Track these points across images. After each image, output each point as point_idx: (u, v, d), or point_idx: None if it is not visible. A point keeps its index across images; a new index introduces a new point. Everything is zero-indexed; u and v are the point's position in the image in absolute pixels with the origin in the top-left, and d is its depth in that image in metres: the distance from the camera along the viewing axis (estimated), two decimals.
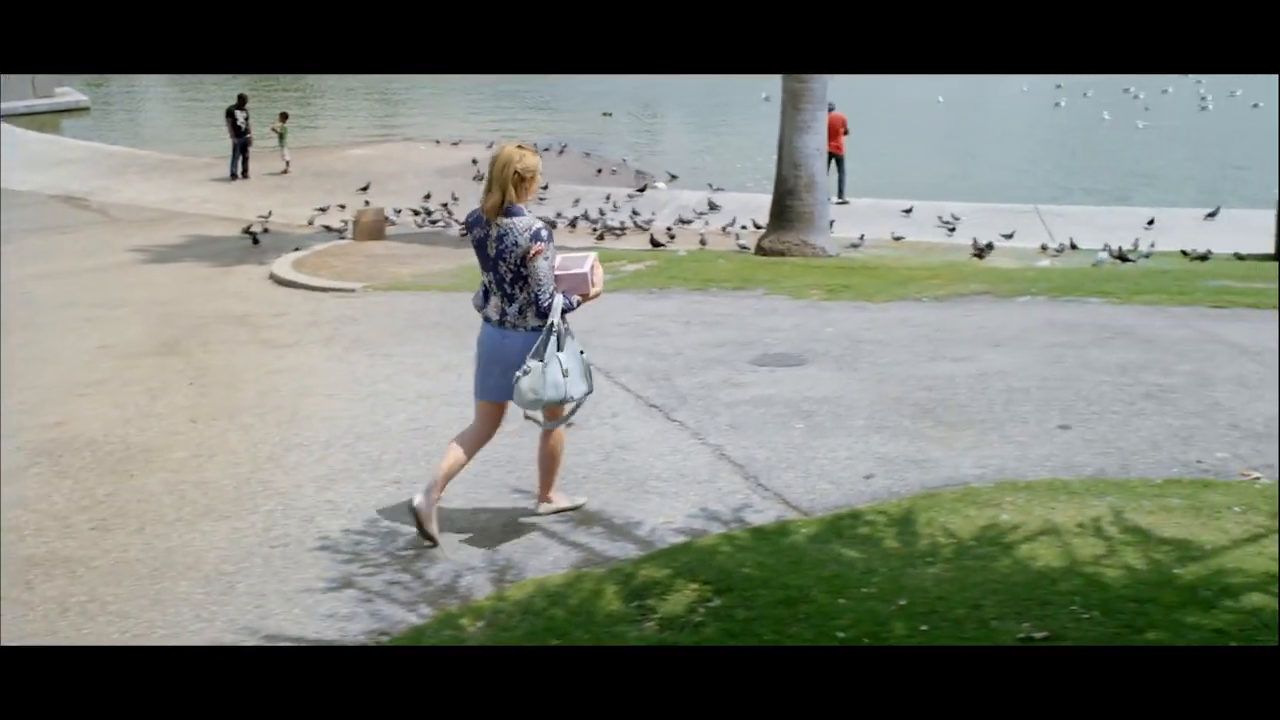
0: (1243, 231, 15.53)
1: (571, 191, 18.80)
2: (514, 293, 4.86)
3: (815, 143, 13.44)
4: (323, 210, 17.18)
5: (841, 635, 3.92)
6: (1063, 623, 3.95)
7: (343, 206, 17.18)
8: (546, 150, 22.02)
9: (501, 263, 4.83)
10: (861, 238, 15.15)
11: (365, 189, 19.15)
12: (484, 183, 4.92)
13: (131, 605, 4.60)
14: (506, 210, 4.79)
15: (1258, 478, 5.44)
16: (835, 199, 18.52)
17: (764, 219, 14.29)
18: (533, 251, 4.75)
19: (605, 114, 31.47)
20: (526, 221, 4.79)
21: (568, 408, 5.05)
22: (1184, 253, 14.03)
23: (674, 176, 21.56)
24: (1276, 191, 15.07)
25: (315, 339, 9.12)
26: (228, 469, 6.12)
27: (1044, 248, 15.00)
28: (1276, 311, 8.51)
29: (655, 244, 14.62)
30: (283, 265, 12.72)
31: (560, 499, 5.32)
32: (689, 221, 16.85)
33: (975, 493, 5.28)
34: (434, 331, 9.07)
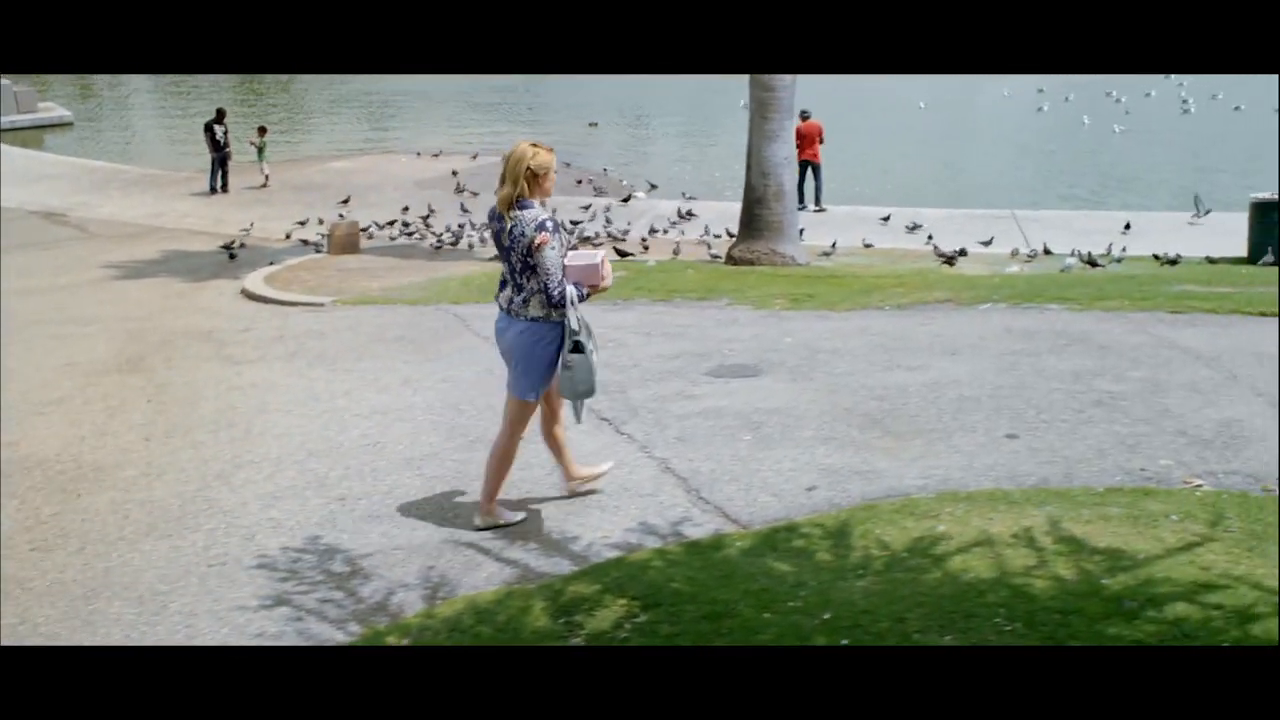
0: (1219, 234, 15.62)
1: (549, 202, 18.74)
2: (523, 283, 5.06)
3: (783, 152, 13.47)
4: (301, 224, 17.15)
5: None
6: (985, 635, 3.94)
7: (321, 220, 17.15)
8: None
9: (513, 253, 5.03)
10: (834, 245, 15.18)
11: (345, 202, 19.17)
12: (499, 177, 5.13)
13: (62, 627, 4.60)
14: (518, 204, 4.98)
15: (1200, 485, 5.44)
16: (813, 207, 18.58)
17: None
18: (537, 241, 4.92)
19: (591, 124, 31.47)
20: (534, 213, 4.99)
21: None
22: (1156, 256, 14.11)
23: (654, 186, 21.58)
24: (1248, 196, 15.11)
25: (279, 354, 9.11)
26: (175, 487, 6.12)
27: (1015, 253, 15.06)
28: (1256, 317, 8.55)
29: (622, 254, 14.61)
30: (254, 280, 12.69)
31: (503, 512, 5.38)
32: (664, 231, 16.86)
33: (915, 504, 5.28)
34: (396, 346, 9.07)
